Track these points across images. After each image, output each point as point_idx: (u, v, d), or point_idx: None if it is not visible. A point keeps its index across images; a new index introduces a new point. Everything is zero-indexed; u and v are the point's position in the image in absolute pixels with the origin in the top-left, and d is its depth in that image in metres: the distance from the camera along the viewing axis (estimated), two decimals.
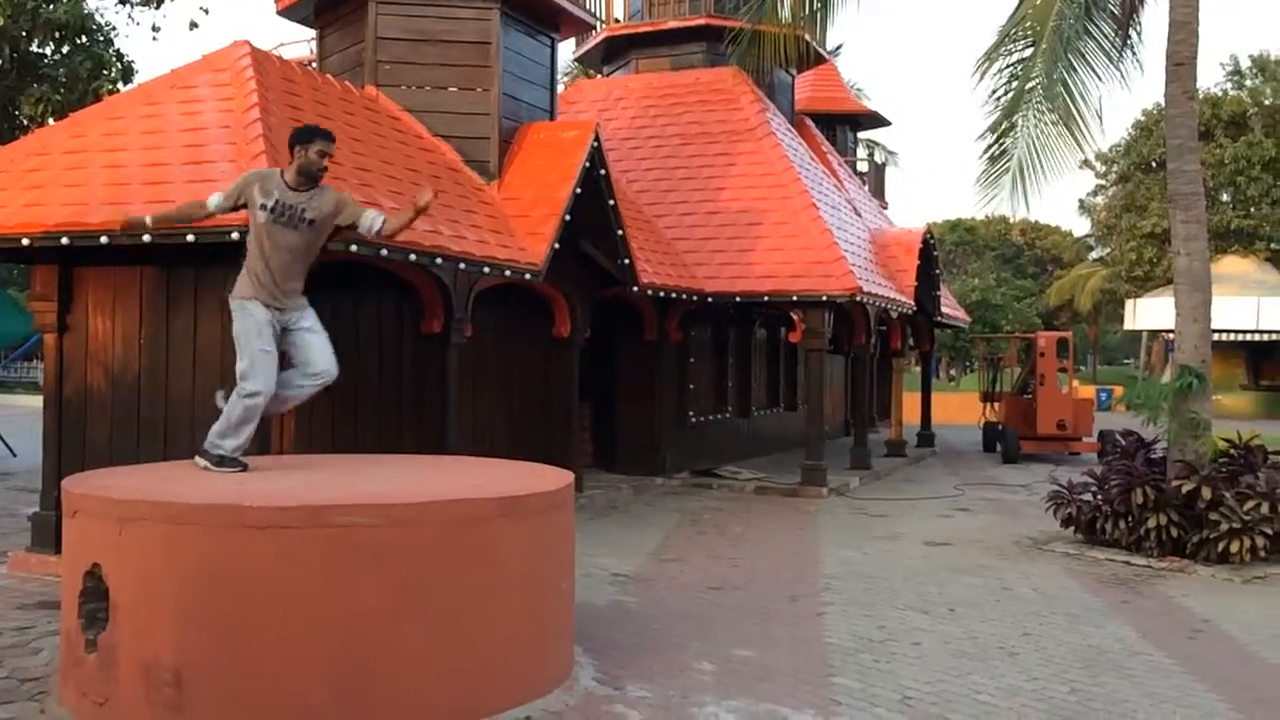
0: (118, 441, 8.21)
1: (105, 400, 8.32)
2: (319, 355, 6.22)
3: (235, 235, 7.18)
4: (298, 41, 18.65)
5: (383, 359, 9.86)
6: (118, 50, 17.17)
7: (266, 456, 7.00)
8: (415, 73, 11.02)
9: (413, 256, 8.54)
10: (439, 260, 8.87)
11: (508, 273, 9.81)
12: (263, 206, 5.93)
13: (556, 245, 10.40)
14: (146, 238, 7.35)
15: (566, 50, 24.21)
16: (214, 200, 6.16)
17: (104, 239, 7.36)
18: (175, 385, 8.10)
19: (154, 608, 4.47)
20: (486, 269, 9.49)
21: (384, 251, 8.20)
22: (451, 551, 4.64)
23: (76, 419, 8.38)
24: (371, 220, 6.25)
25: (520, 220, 10.50)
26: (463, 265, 9.19)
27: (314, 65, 11.96)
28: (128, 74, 17.12)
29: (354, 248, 7.93)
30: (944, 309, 19.28)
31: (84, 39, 16.73)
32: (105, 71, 16.52)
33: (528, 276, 10.07)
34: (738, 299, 13.58)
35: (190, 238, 7.28)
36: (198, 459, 5.83)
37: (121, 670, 4.49)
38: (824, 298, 13.07)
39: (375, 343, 9.84)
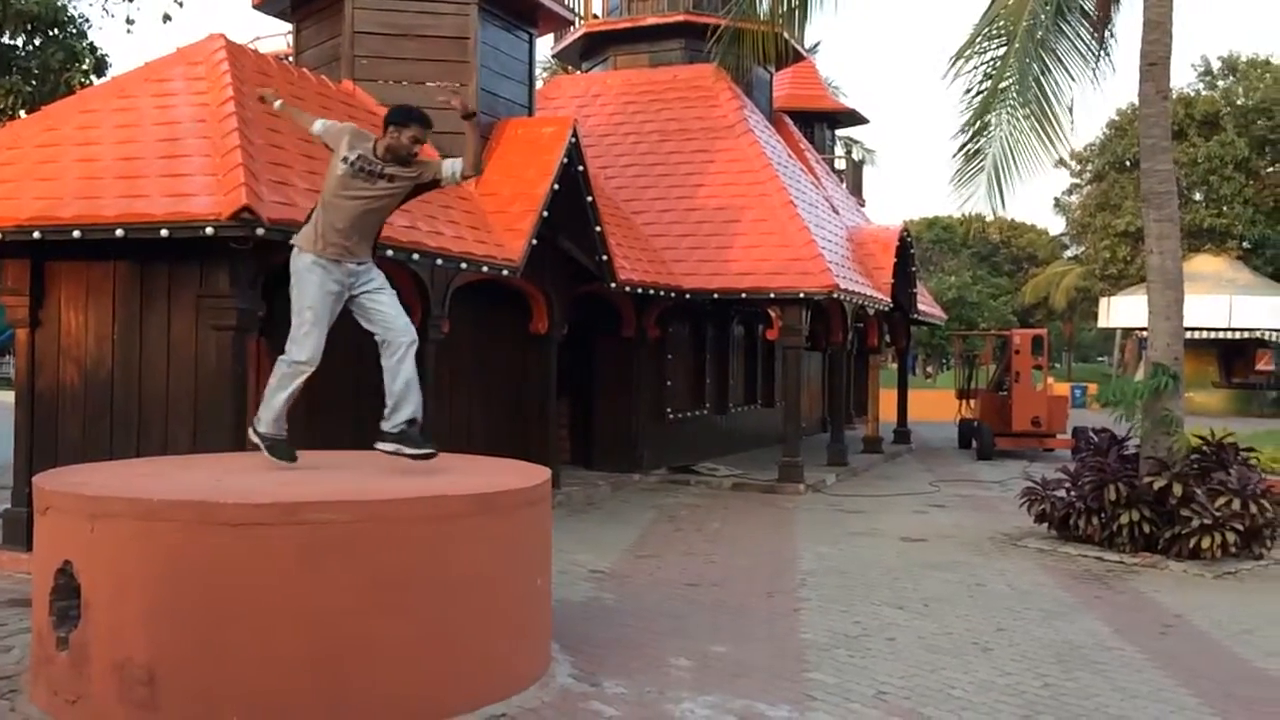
0: (90, 437, 8.14)
1: (78, 396, 8.25)
2: (394, 316, 5.90)
3: (209, 230, 7.14)
4: (274, 35, 18.56)
5: (359, 355, 9.80)
6: (91, 43, 16.99)
7: (241, 453, 6.96)
8: (392, 67, 10.98)
9: (389, 252, 8.50)
10: (416, 256, 8.84)
11: (485, 269, 9.79)
12: (344, 159, 5.60)
13: (534, 241, 10.38)
14: (119, 231, 7.30)
15: (545, 46, 24.22)
16: (319, 125, 5.93)
17: (76, 233, 7.30)
18: (149, 381, 8.04)
19: (126, 605, 4.44)
20: (464, 265, 9.46)
21: None
22: (427, 548, 4.63)
23: (48, 415, 8.30)
24: (450, 169, 5.80)
25: (498, 216, 10.48)
26: (440, 261, 9.16)
27: (290, 59, 11.88)
28: (101, 67, 16.96)
29: None
30: (920, 306, 19.38)
31: (56, 31, 16.56)
32: (78, 63, 16.35)
33: (505, 273, 10.05)
34: (715, 296, 13.61)
35: (164, 233, 7.23)
36: (251, 434, 5.80)
37: (94, 668, 4.46)
38: (801, 295, 13.11)
39: (350, 338, 9.78)
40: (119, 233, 7.27)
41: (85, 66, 16.58)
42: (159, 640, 4.38)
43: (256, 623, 4.36)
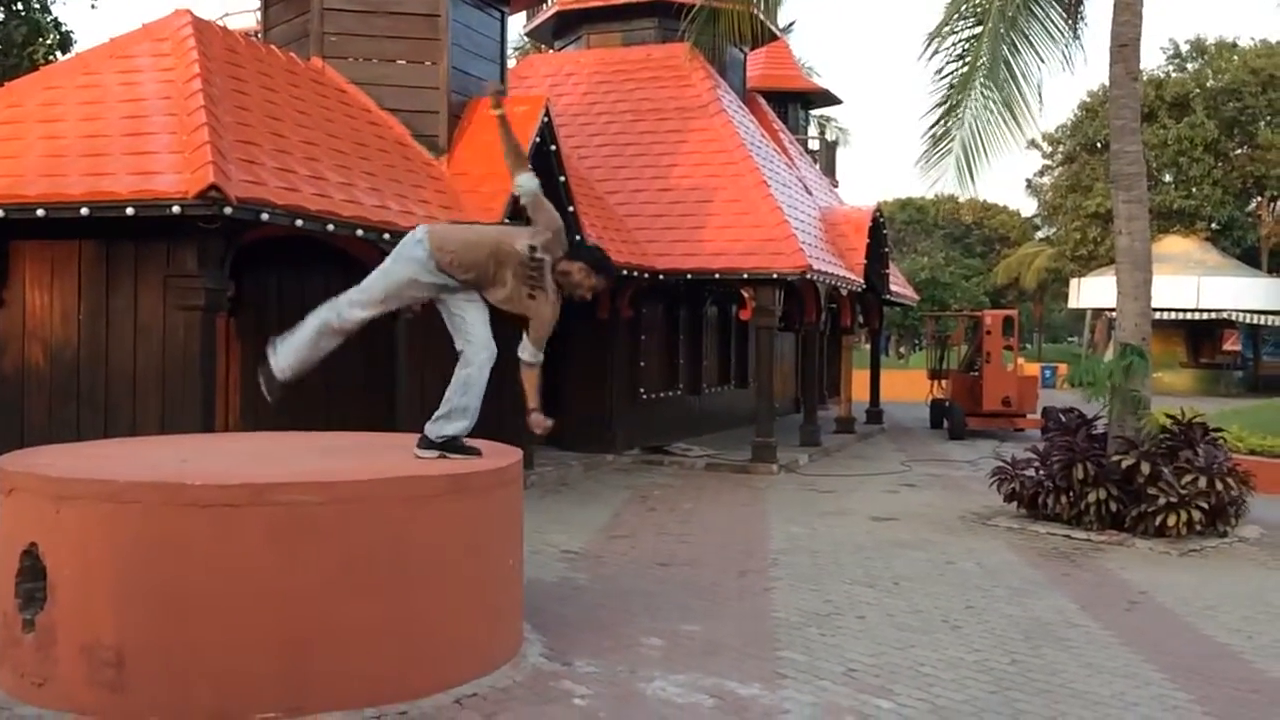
0: (57, 418, 8.07)
1: (44, 376, 8.16)
2: (477, 329, 5.80)
3: (176, 209, 7.06)
4: (243, 12, 18.29)
5: (329, 355, 9.75)
6: (55, 18, 16.74)
7: (209, 434, 6.91)
8: (362, 45, 10.87)
9: (360, 232, 8.44)
10: (387, 236, 8.77)
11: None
12: (531, 248, 5.47)
13: (506, 221, 10.32)
14: (84, 210, 7.20)
15: (517, 24, 24.03)
16: (526, 181, 5.71)
17: (40, 211, 7.20)
18: (116, 362, 7.96)
19: (93, 587, 4.40)
20: None
21: (330, 226, 8.10)
22: (397, 529, 4.62)
23: (14, 396, 8.21)
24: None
25: (470, 196, 10.42)
26: None
27: (259, 36, 11.74)
28: (65, 43, 16.71)
29: (299, 222, 7.83)
30: (893, 287, 19.46)
31: (20, 6, 16.29)
32: (42, 39, 16.10)
33: None
34: (689, 276, 13.60)
35: (130, 211, 7.15)
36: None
37: (60, 650, 4.42)
38: (774, 275, 13.13)
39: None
40: (84, 211, 7.19)
41: (49, 42, 16.34)
42: (127, 622, 4.35)
43: (225, 604, 4.34)
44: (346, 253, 9.13)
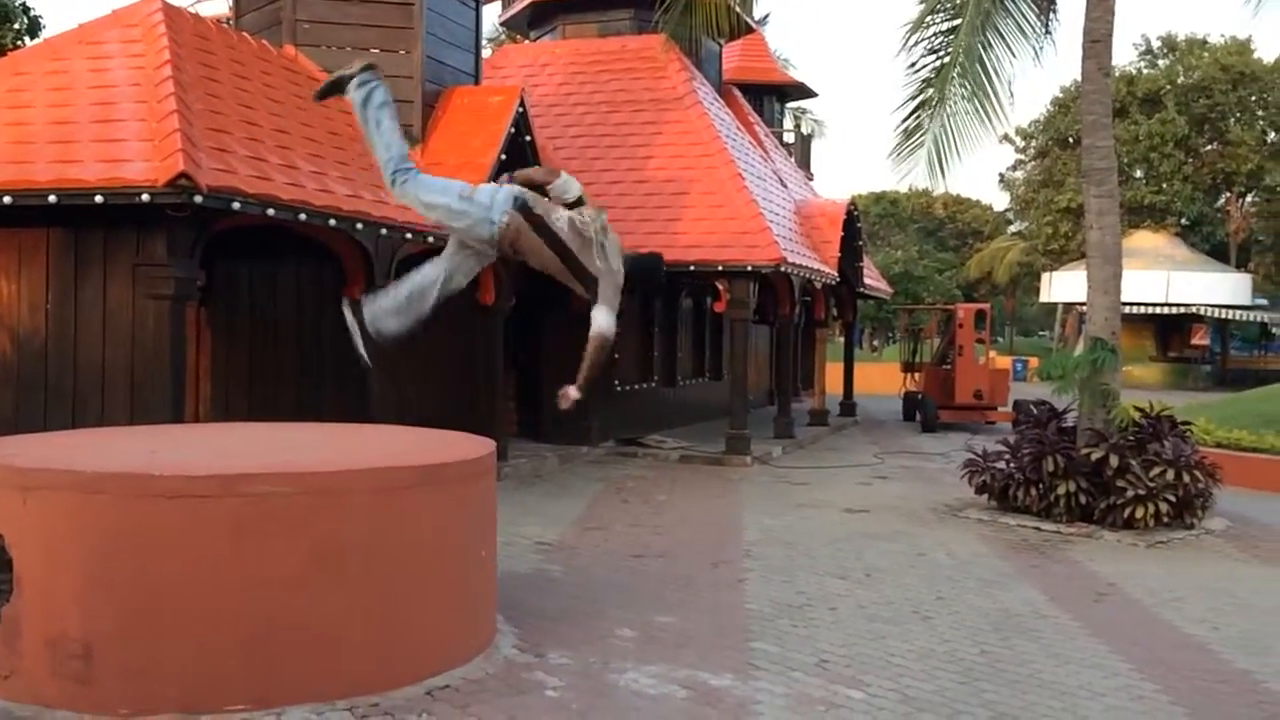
0: (24, 409, 7.97)
1: (10, 366, 8.06)
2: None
3: (145, 197, 6.99)
4: None
5: (302, 326, 9.70)
6: (24, 3, 16.50)
7: (179, 425, 6.85)
8: (335, 33, 10.78)
9: (332, 221, 8.39)
10: (359, 225, 8.73)
11: (431, 239, 9.69)
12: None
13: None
14: (52, 198, 7.11)
15: (492, 14, 23.90)
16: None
17: (7, 199, 7.11)
18: (84, 351, 7.88)
19: (61, 579, 4.36)
20: (409, 235, 9.36)
21: (302, 216, 8.04)
22: (369, 521, 4.59)
23: None
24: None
25: None
26: (384, 231, 9.06)
27: (230, 23, 11.62)
28: (34, 28, 16.49)
29: (271, 211, 7.77)
30: (867, 280, 19.53)
31: None
32: (10, 24, 15.88)
33: None
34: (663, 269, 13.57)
35: (99, 199, 7.07)
36: None
37: (26, 643, 4.37)
38: (749, 268, 13.15)
39: (294, 309, 9.69)
40: (52, 199, 7.10)
41: (18, 27, 16.12)
42: (94, 614, 4.31)
43: (194, 596, 4.31)
44: (319, 242, 9.07)
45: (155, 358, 7.53)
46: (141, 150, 7.25)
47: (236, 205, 7.41)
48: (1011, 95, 10.98)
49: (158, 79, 7.85)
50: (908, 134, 10.86)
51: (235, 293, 9.50)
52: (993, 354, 21.47)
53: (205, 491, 4.32)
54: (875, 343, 53.87)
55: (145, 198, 7.01)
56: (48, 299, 8.00)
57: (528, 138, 11.06)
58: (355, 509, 4.56)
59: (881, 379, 26.09)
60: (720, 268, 13.26)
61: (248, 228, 8.52)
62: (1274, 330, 37.07)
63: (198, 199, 7.06)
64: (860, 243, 18.42)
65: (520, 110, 10.90)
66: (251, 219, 7.90)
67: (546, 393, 14.03)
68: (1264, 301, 37.73)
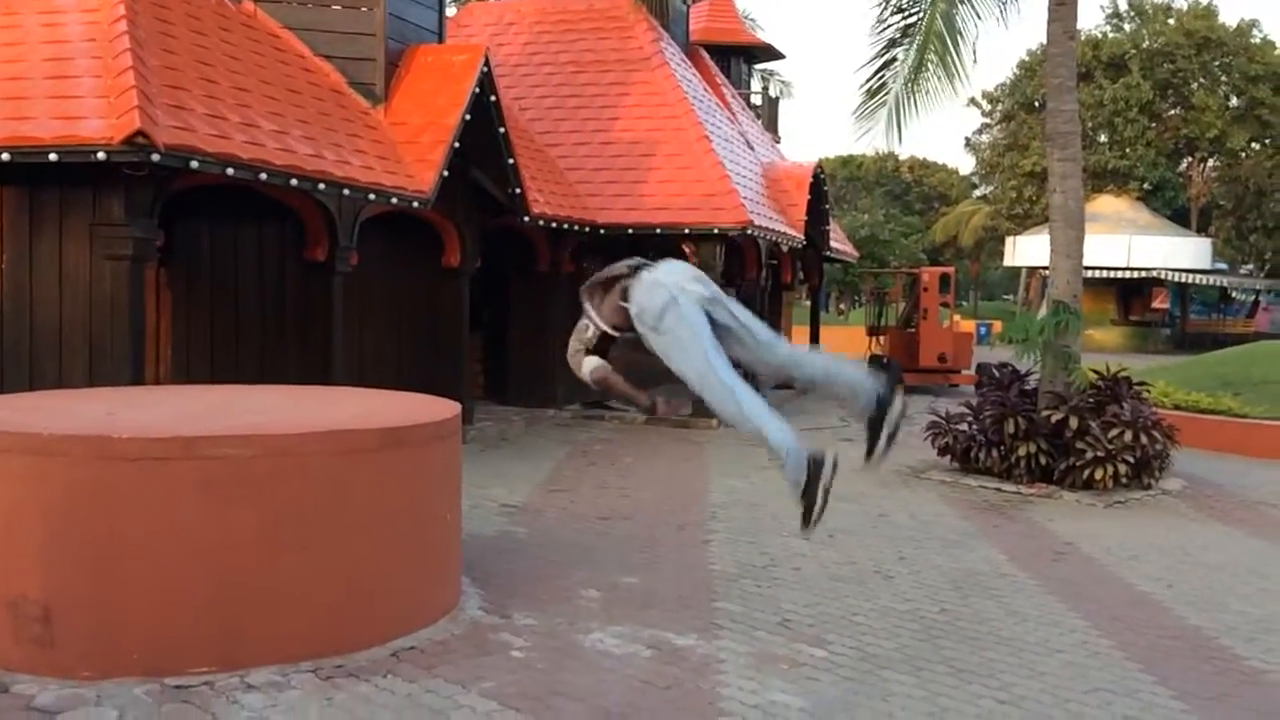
0: None
1: None
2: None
3: (101, 156, 6.86)
4: None
5: (264, 287, 9.60)
6: None
7: (137, 387, 6.77)
8: None
9: (294, 181, 8.27)
10: (321, 186, 8.62)
11: (394, 200, 9.60)
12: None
13: (445, 173, 10.19)
14: (5, 156, 6.97)
15: None
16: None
17: None
18: (41, 313, 7.75)
19: (20, 542, 4.31)
20: (372, 196, 9.26)
21: (263, 175, 7.92)
22: (332, 483, 4.57)
23: None
24: None
25: (408, 146, 10.25)
26: (347, 192, 8.95)
27: None
28: None
29: (230, 170, 7.65)
30: (833, 243, 19.56)
31: None
32: None
33: (415, 205, 9.87)
34: (630, 231, 13.54)
35: (53, 157, 6.93)
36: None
37: None
38: (716, 231, 13.13)
39: (255, 270, 9.58)
40: (4, 157, 6.96)
41: None
42: (55, 577, 4.27)
43: (155, 559, 4.28)
44: (281, 203, 8.95)
45: (114, 320, 7.42)
46: (97, 107, 7.10)
47: (195, 164, 7.29)
48: (975, 58, 10.99)
49: (113, 34, 7.67)
50: (871, 93, 10.86)
51: (196, 254, 9.37)
52: (957, 317, 21.65)
53: (165, 454, 4.28)
54: (842, 306, 54.10)
55: (101, 156, 6.87)
56: (2, 260, 7.84)
57: (493, 98, 10.94)
58: (318, 471, 4.54)
59: (847, 342, 26.17)
60: (687, 230, 13.24)
61: (208, 187, 8.39)
62: (1233, 294, 37.62)
63: (155, 157, 6.93)
64: (827, 206, 18.43)
65: (485, 70, 10.77)
66: (211, 178, 7.78)
67: (512, 355, 14.06)
68: (1223, 266, 38.27)
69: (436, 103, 10.54)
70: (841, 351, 25.42)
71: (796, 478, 4.48)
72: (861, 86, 10.86)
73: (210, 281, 9.40)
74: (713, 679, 4.56)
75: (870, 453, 4.73)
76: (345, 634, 4.60)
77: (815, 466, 4.44)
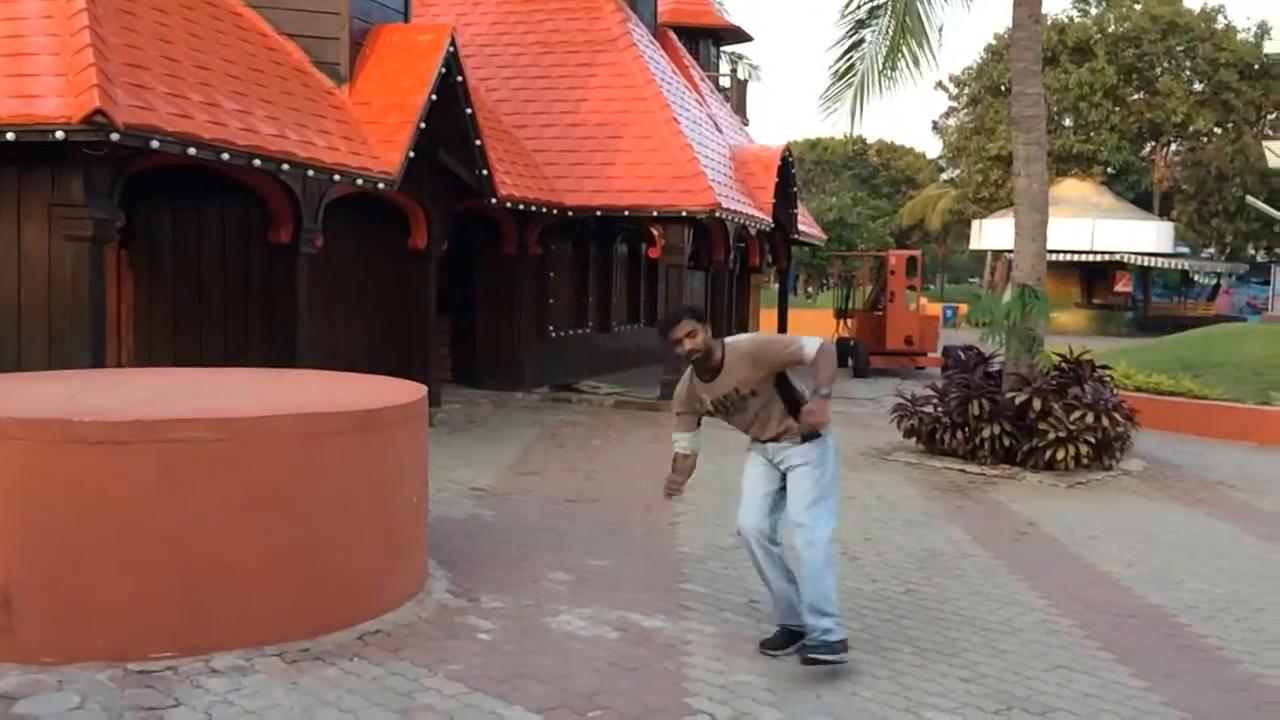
0: None
1: None
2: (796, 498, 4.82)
3: (59, 135, 6.75)
4: None
5: (228, 269, 9.50)
6: None
7: (98, 370, 6.69)
8: None
9: (257, 162, 8.18)
10: (285, 167, 8.53)
11: (359, 182, 9.51)
12: (709, 412, 5.13)
13: (411, 154, 10.11)
14: None
15: None
16: (681, 444, 5.31)
17: None
18: None
19: None
20: (337, 177, 9.17)
21: (225, 155, 7.82)
22: (297, 466, 4.54)
23: None
24: (809, 352, 4.77)
25: (373, 127, 10.16)
26: (311, 173, 8.86)
27: None
28: None
29: (192, 150, 7.55)
30: (801, 227, 19.61)
31: None
32: None
33: (381, 186, 9.79)
34: (598, 213, 13.52)
35: (10, 136, 6.82)
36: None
37: None
38: (684, 213, 13.13)
39: (219, 252, 9.48)
40: None
41: None
42: (15, 562, 4.22)
43: (118, 544, 4.24)
44: (244, 184, 8.85)
45: (74, 302, 7.31)
46: (55, 86, 6.98)
47: (155, 144, 7.19)
48: (941, 39, 11.05)
49: (71, 11, 7.52)
50: (839, 75, 10.89)
51: (158, 235, 9.25)
52: (924, 300, 21.78)
53: (126, 437, 4.24)
54: (809, 289, 54.25)
55: (59, 135, 6.76)
56: None
57: (459, 78, 10.85)
58: (283, 455, 4.50)
59: (815, 325, 26.27)
60: (655, 213, 13.22)
61: (170, 168, 8.28)
62: (1195, 277, 38.10)
63: (114, 137, 6.83)
64: (795, 189, 18.46)
65: (451, 50, 10.68)
66: (172, 159, 7.67)
67: (480, 338, 14.00)
68: (1185, 249, 38.73)
69: (402, 83, 10.45)
70: (811, 335, 25.58)
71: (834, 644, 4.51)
72: (829, 68, 10.91)
73: (173, 263, 9.28)
74: (679, 660, 4.59)
75: (772, 645, 4.76)
76: (311, 618, 4.58)
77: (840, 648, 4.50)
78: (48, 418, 4.33)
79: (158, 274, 9.20)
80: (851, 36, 10.77)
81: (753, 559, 4.85)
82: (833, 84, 10.92)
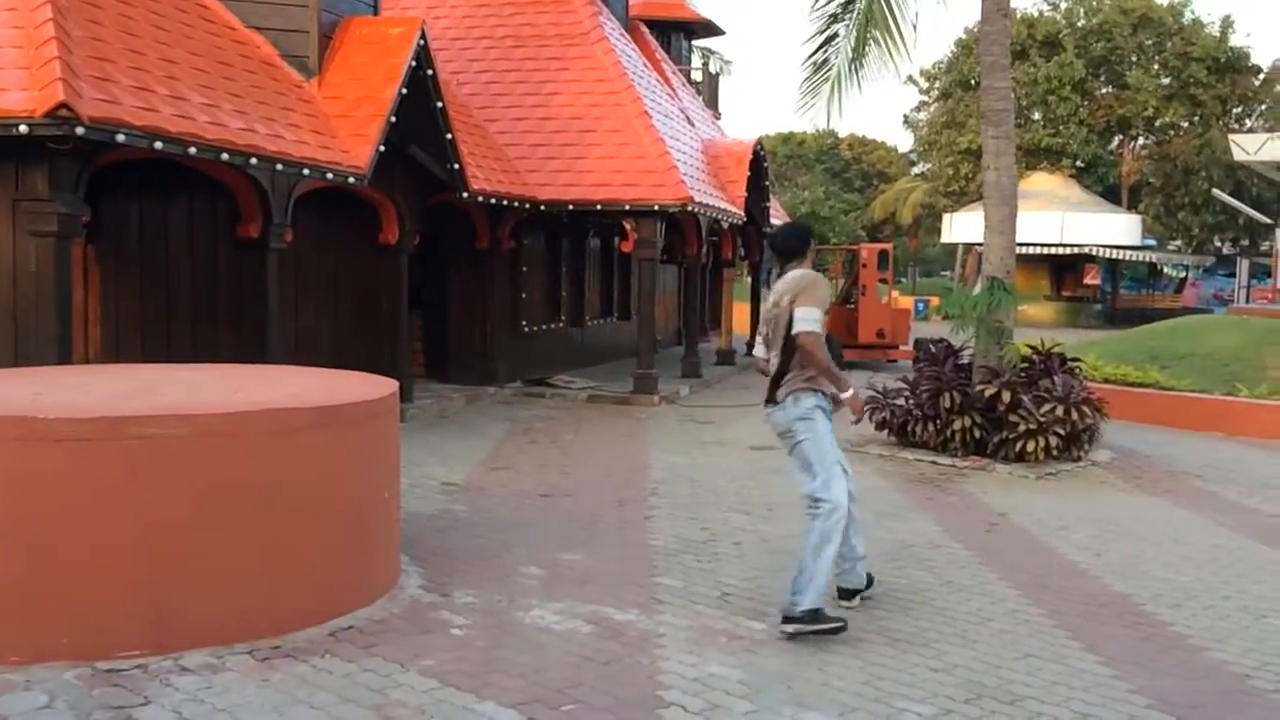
0: None
1: None
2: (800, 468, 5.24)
3: (23, 129, 6.66)
4: None
5: (196, 264, 9.41)
6: None
7: (64, 367, 6.61)
8: None
9: (225, 156, 8.10)
10: (254, 161, 8.45)
11: (329, 176, 9.44)
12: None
13: (382, 148, 10.05)
14: None
15: None
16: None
17: None
18: None
19: None
20: (306, 171, 9.10)
21: (192, 150, 7.75)
22: (266, 463, 4.51)
23: None
24: (804, 326, 5.29)
25: (343, 121, 10.09)
26: (280, 167, 8.79)
27: None
28: None
29: (158, 144, 7.47)
30: (774, 220, 19.65)
31: None
32: None
33: (351, 180, 9.72)
34: (570, 207, 13.50)
35: None
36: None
37: None
38: (656, 207, 13.13)
39: (187, 247, 9.39)
40: None
41: None
42: None
43: (84, 541, 4.20)
44: (212, 179, 8.76)
45: (39, 298, 7.21)
46: (18, 79, 6.88)
47: (121, 137, 7.10)
48: (915, 30, 11.11)
49: (34, 4, 7.40)
50: (816, 68, 10.92)
51: (125, 230, 9.14)
52: (895, 294, 21.88)
53: (92, 435, 4.20)
54: None
55: (23, 129, 6.67)
56: None
57: (429, 72, 10.79)
58: (251, 451, 4.47)
59: None
60: (627, 207, 13.22)
61: (136, 162, 8.19)
62: (1162, 270, 38.48)
63: (79, 130, 6.74)
64: (767, 183, 18.52)
65: (421, 43, 10.61)
66: (139, 152, 7.59)
67: (452, 333, 13.94)
68: (1153, 242, 39.06)
69: (372, 76, 10.38)
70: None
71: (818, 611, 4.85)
72: (805, 62, 10.94)
73: (140, 259, 9.18)
74: (652, 653, 4.60)
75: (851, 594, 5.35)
76: (281, 615, 4.55)
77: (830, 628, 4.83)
78: (12, 415, 4.27)
79: (125, 269, 9.09)
80: (825, 30, 10.80)
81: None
82: (808, 78, 10.96)
